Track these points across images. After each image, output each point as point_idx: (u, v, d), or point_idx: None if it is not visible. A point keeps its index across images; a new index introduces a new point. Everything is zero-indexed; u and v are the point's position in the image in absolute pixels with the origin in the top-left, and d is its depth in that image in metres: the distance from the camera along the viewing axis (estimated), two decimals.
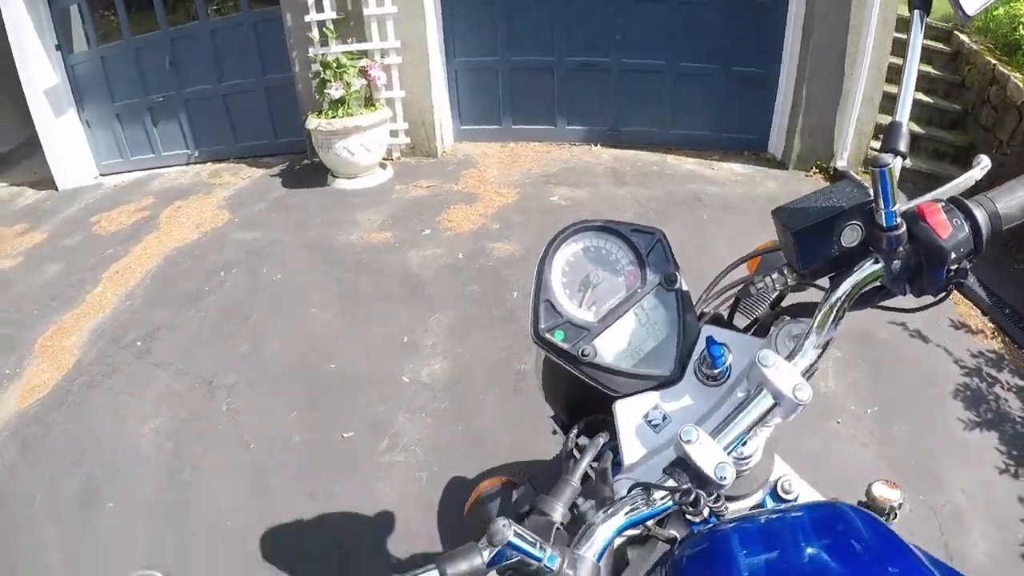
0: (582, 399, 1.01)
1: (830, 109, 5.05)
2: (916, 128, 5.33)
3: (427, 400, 3.16)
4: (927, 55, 5.73)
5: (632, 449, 0.89)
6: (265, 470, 2.90)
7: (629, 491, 0.77)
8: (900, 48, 5.16)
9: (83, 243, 5.13)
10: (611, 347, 0.94)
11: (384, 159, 5.78)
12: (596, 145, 6.02)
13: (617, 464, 0.92)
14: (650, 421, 0.91)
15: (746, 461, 0.89)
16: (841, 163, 5.11)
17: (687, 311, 0.96)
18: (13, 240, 5.34)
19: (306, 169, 5.97)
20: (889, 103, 5.20)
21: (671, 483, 0.73)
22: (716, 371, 0.90)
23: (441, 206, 5.04)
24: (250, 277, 4.31)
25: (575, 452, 1.08)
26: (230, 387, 3.37)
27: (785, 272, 0.92)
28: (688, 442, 0.74)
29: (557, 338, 0.94)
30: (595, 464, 0.96)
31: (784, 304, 1.02)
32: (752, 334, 1.03)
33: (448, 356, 3.43)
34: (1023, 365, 3.23)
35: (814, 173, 5.27)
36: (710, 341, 0.91)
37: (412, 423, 3.02)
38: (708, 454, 0.73)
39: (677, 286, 0.96)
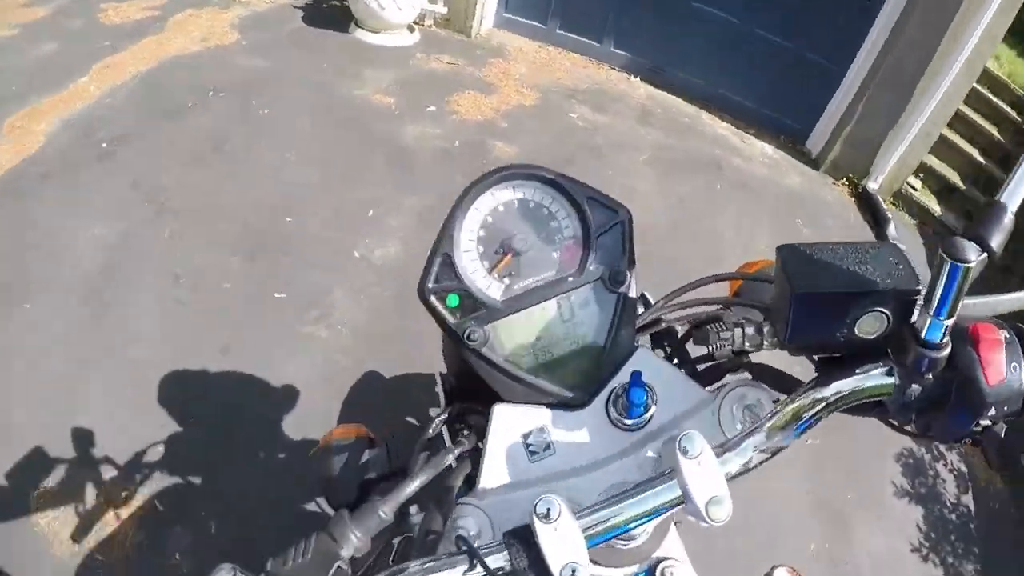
0: (473, 375, 0.74)
1: (882, 128, 4.54)
2: (956, 180, 4.85)
3: (371, 282, 2.87)
4: (995, 116, 5.17)
5: (493, 472, 0.68)
6: (187, 309, 2.64)
7: (457, 546, 0.57)
8: (975, 100, 4.80)
9: (83, 28, 4.63)
10: (512, 337, 0.70)
11: (415, 22, 5.25)
12: (635, 77, 5.48)
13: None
14: (529, 445, 0.68)
15: (627, 542, 0.63)
16: (873, 185, 4.67)
17: (624, 323, 0.70)
18: (14, 11, 4.82)
19: (332, 10, 5.43)
20: (943, 148, 4.76)
21: (501, 562, 0.53)
22: (629, 421, 0.66)
23: (456, 87, 4.59)
24: (238, 105, 3.90)
25: (444, 435, 0.83)
26: (179, 213, 3.06)
27: (764, 333, 0.65)
28: (543, 517, 0.53)
29: (449, 304, 0.69)
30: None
31: (751, 357, 0.74)
32: (701, 371, 0.75)
33: (408, 243, 3.12)
34: (972, 453, 2.99)
35: (842, 184, 4.81)
36: (635, 379, 0.66)
37: (348, 301, 2.75)
38: (563, 544, 0.52)
39: (623, 289, 0.69)
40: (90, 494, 2.13)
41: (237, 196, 3.20)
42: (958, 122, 4.79)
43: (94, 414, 2.26)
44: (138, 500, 2.13)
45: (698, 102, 5.29)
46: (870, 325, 0.55)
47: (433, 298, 0.68)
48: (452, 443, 0.78)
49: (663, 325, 0.79)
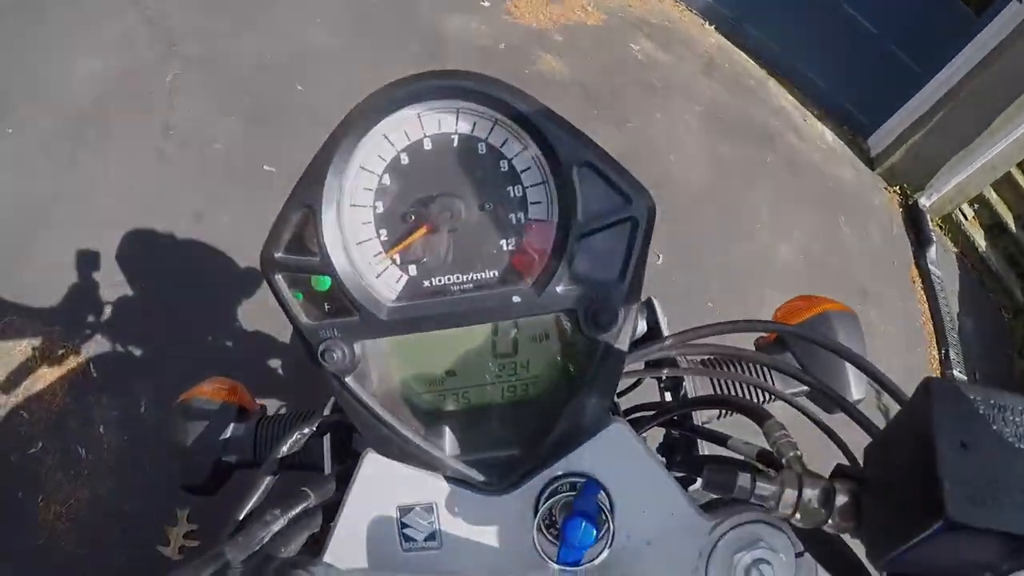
0: None
1: (951, 148, 4.08)
2: (1009, 221, 4.37)
3: None
4: None
5: (345, 546, 0.44)
6: (170, 165, 2.41)
7: None
8: None
9: None
10: (407, 360, 0.44)
11: None
12: (710, 24, 4.88)
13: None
14: (405, 525, 0.44)
15: None
16: (925, 202, 4.24)
17: (600, 385, 0.42)
18: None
19: None
20: (1006, 185, 4.31)
21: None
22: (557, 565, 0.40)
23: None
24: None
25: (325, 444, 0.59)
26: (187, 59, 2.75)
27: (834, 509, 0.36)
28: None
29: (315, 287, 0.42)
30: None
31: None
32: (710, 477, 0.44)
33: None
34: None
35: (894, 191, 4.35)
36: (584, 501, 0.40)
37: None
38: None
39: (608, 337, 0.41)
40: (26, 345, 1.96)
41: (252, 52, 2.87)
42: None
43: (48, 259, 2.08)
44: (73, 362, 1.98)
45: (768, 67, 4.73)
46: None
47: (279, 276, 0.42)
48: (320, 476, 0.53)
49: (663, 376, 0.50)
